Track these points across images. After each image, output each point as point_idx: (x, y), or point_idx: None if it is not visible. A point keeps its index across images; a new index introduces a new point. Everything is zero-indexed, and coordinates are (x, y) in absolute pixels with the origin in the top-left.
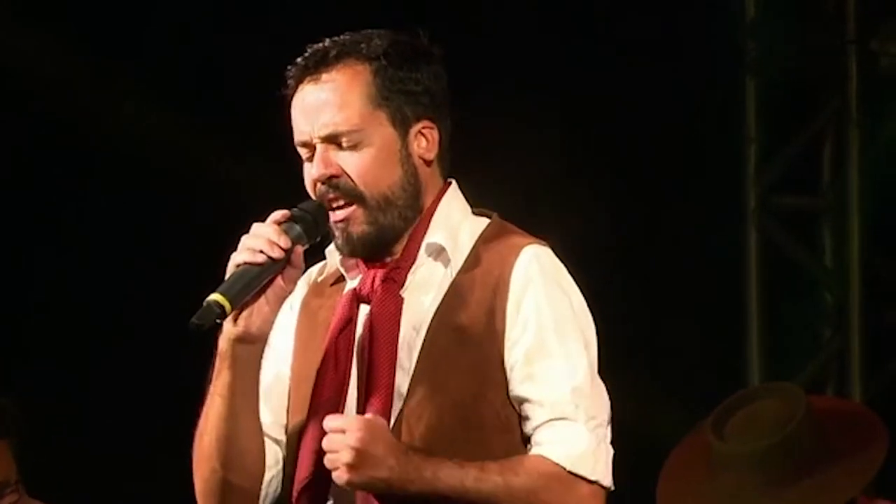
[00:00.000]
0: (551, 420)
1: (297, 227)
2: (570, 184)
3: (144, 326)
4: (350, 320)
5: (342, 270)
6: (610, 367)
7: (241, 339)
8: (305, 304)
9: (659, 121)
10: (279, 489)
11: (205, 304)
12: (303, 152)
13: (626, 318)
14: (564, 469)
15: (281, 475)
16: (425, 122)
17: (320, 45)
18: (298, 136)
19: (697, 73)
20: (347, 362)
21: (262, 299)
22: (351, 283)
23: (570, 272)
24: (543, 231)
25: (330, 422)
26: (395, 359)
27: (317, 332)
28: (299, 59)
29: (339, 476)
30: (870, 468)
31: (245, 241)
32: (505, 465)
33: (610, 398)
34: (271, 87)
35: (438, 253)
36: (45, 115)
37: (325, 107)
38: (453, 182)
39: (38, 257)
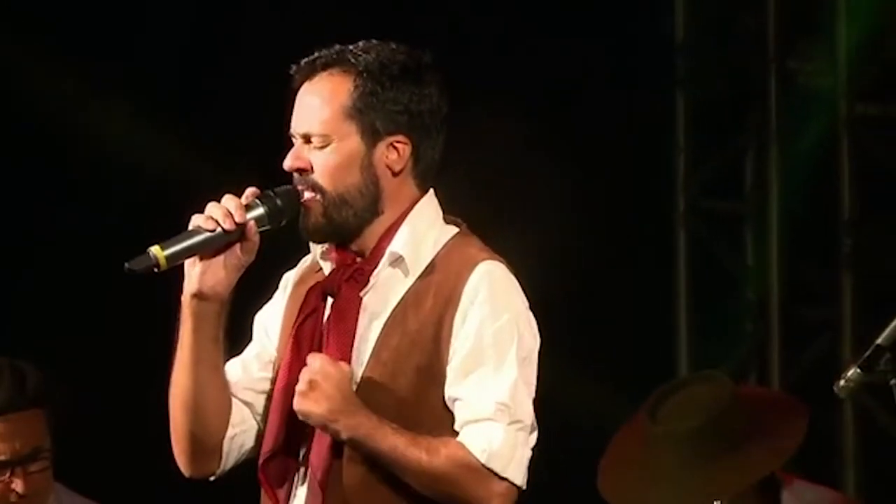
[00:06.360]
0: (477, 419)
1: (261, 208)
2: (518, 187)
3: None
4: (314, 310)
5: (321, 263)
6: (553, 357)
7: (195, 296)
8: (294, 289)
9: (596, 133)
10: (245, 448)
11: (146, 252)
12: (293, 139)
13: (567, 311)
14: (479, 461)
15: (247, 435)
16: (398, 137)
17: (322, 50)
18: (290, 127)
19: (633, 90)
20: (311, 350)
21: (219, 263)
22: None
23: (519, 276)
24: (490, 232)
25: (310, 357)
26: (350, 351)
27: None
28: (304, 60)
29: (295, 401)
30: (790, 445)
31: (209, 206)
32: (432, 444)
33: (554, 387)
34: (261, 93)
35: (398, 261)
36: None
37: (308, 109)
38: (430, 192)
39: (30, 262)
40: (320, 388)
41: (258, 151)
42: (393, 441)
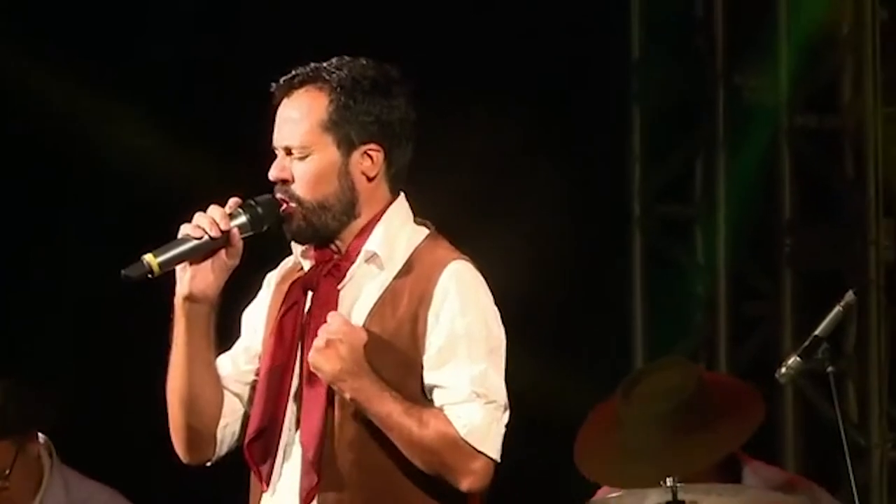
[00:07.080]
0: (456, 401)
1: (244, 216)
2: (492, 194)
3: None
4: (295, 303)
5: (301, 261)
6: (522, 346)
7: (186, 298)
8: (276, 286)
9: (557, 144)
10: (237, 435)
11: (140, 260)
12: (275, 152)
13: (535, 304)
14: (460, 435)
15: (238, 423)
16: (371, 146)
17: (300, 68)
18: (273, 141)
19: (594, 104)
20: (293, 339)
21: (207, 267)
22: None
23: (485, 272)
24: (462, 231)
25: (331, 316)
26: None
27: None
28: (283, 78)
29: (310, 354)
30: (752, 423)
31: (196, 216)
32: (424, 416)
33: (523, 374)
34: (260, 95)
35: (373, 258)
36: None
37: (288, 124)
38: (401, 195)
39: (32, 262)
40: (336, 348)
41: (257, 154)
42: (390, 407)
